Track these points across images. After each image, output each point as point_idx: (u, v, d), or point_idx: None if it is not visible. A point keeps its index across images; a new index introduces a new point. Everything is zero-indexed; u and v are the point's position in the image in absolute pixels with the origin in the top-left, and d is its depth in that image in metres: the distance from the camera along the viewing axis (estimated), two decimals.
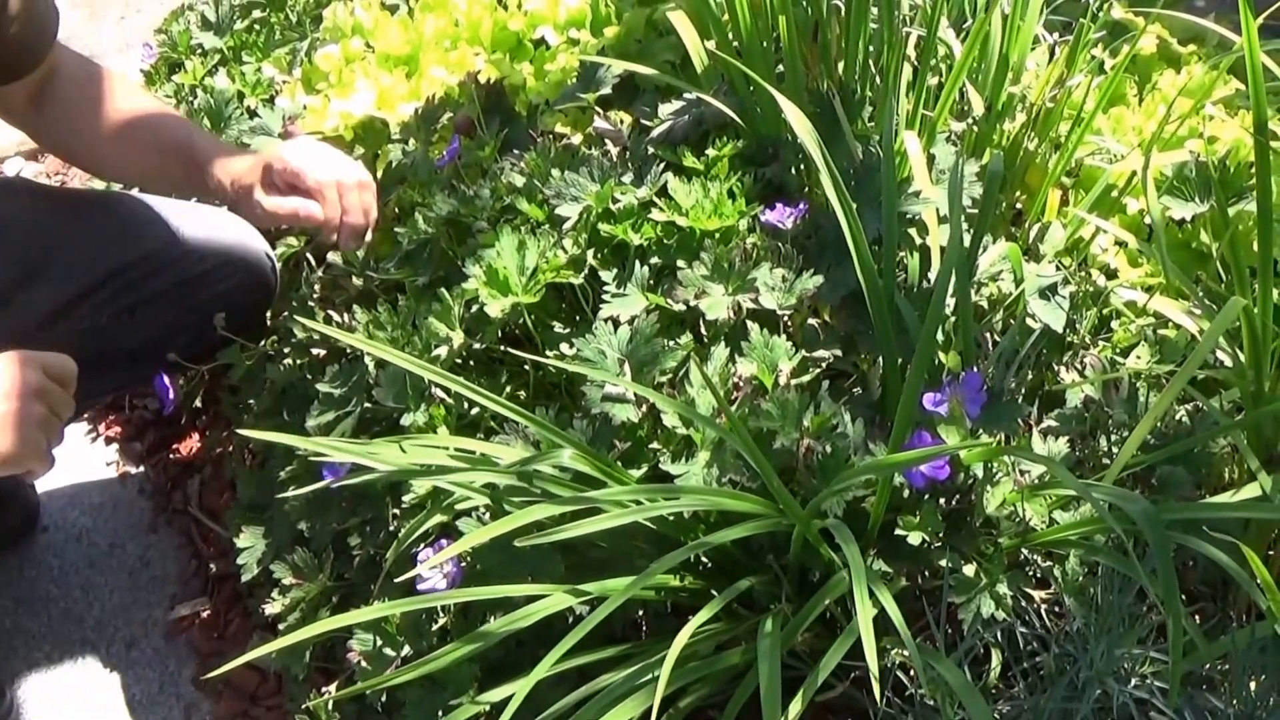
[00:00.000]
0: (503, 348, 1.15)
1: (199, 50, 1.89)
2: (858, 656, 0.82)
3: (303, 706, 1.20)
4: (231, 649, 1.42)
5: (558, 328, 1.17)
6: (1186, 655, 0.89)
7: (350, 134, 1.49)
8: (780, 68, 1.23)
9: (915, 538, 0.95)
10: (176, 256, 1.37)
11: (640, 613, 1.07)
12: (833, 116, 1.17)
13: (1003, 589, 0.95)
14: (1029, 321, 1.11)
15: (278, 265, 1.46)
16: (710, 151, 1.20)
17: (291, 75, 1.71)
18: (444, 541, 1.06)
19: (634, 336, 1.06)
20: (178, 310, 1.37)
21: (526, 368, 1.17)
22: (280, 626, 1.24)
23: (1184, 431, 1.05)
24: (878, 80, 1.24)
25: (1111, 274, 1.23)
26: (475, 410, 1.15)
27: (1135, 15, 1.46)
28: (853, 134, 1.16)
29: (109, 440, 1.75)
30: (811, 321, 1.12)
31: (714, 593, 0.94)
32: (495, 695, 0.97)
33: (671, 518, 1.00)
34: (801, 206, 1.14)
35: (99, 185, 1.96)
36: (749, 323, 1.07)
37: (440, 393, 1.14)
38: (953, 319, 1.07)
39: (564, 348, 1.13)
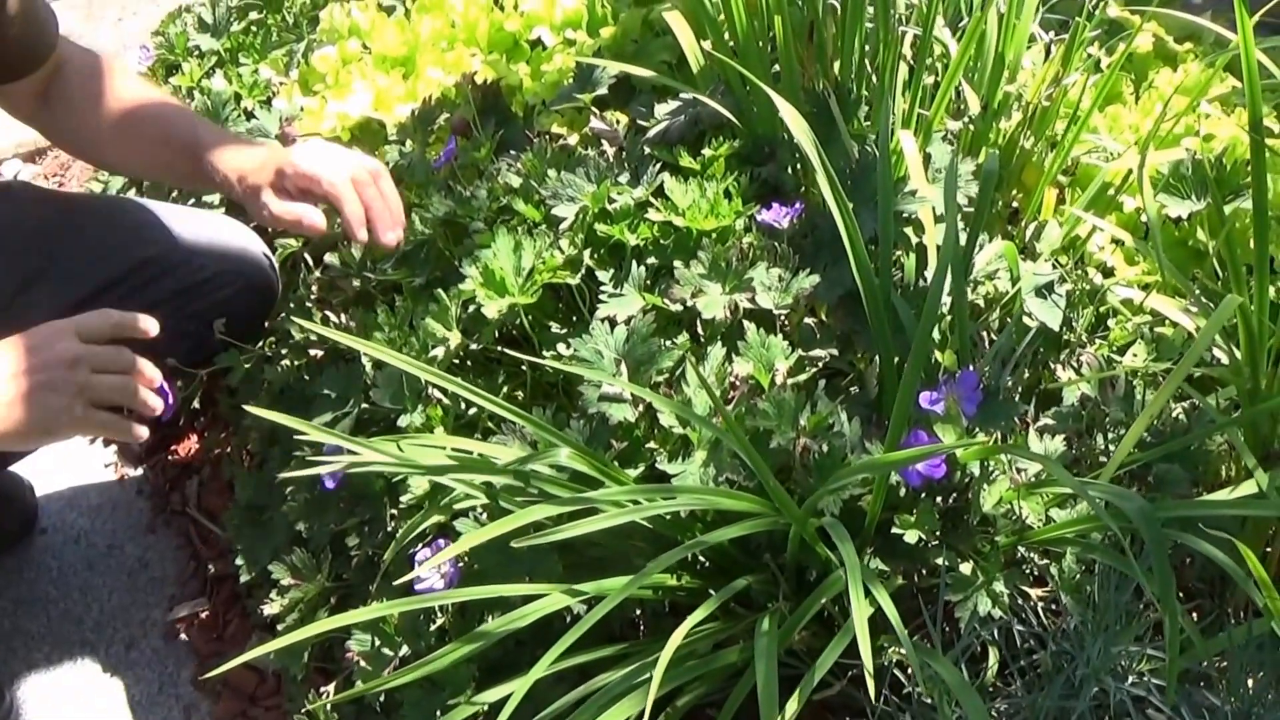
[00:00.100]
0: (500, 348, 1.15)
1: (196, 52, 1.89)
2: (855, 655, 0.82)
3: (302, 708, 1.20)
4: (230, 650, 1.42)
5: (555, 328, 1.17)
6: (1183, 652, 0.89)
7: (347, 135, 1.49)
8: (776, 67, 1.23)
9: (912, 536, 0.95)
10: (177, 262, 1.37)
11: (638, 612, 1.07)
12: (829, 116, 1.17)
13: (999, 587, 0.95)
14: (1025, 320, 1.11)
15: (278, 270, 1.46)
16: (706, 151, 1.20)
17: (288, 77, 1.71)
18: (442, 542, 1.06)
19: (631, 336, 1.06)
20: (179, 317, 1.37)
21: (524, 368, 1.17)
22: (279, 627, 1.24)
23: (1180, 429, 1.05)
24: (874, 79, 1.24)
25: (1108, 272, 1.23)
26: (473, 411, 1.15)
27: (1131, 13, 1.46)
28: (849, 133, 1.16)
29: (107, 442, 1.75)
30: (808, 321, 1.12)
31: (711, 592, 0.94)
32: (493, 695, 0.97)
33: (668, 517, 1.00)
34: (798, 206, 1.14)
35: (98, 188, 1.96)
36: (745, 322, 1.07)
37: (437, 393, 1.14)
38: (949, 318, 1.07)
39: (561, 348, 1.13)
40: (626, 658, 0.97)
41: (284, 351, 1.34)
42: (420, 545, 1.07)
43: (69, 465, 1.70)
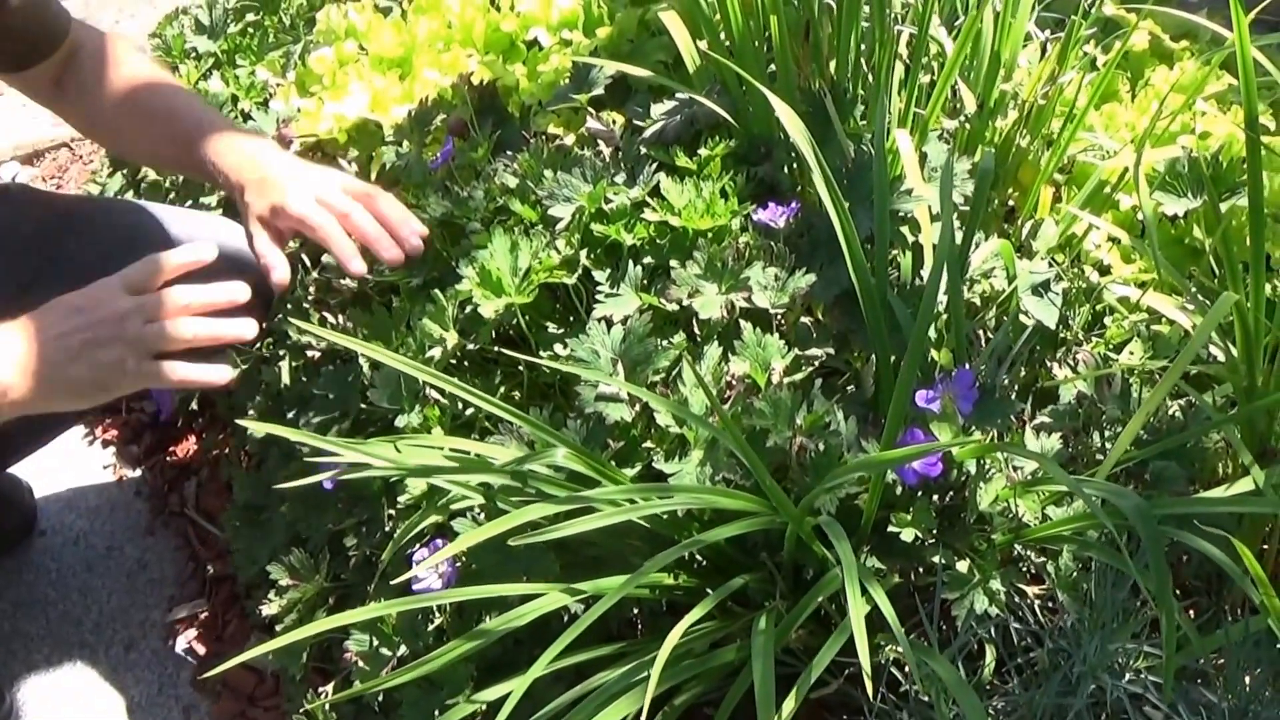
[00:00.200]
0: (497, 348, 1.15)
1: (193, 54, 1.89)
2: (852, 653, 0.82)
3: (300, 708, 1.20)
4: (229, 650, 1.42)
5: (551, 328, 1.17)
6: (1180, 650, 0.89)
7: (344, 137, 1.49)
8: (772, 67, 1.23)
9: (908, 534, 0.95)
10: None
11: (635, 611, 1.07)
12: (825, 115, 1.17)
13: (996, 585, 0.96)
14: (1022, 318, 1.11)
15: None
16: (703, 151, 1.20)
17: (285, 78, 1.71)
18: (439, 542, 1.06)
19: (627, 336, 1.06)
20: None
21: (520, 368, 1.17)
22: (277, 628, 1.24)
23: (1177, 427, 1.05)
24: (869, 79, 1.24)
25: (1104, 270, 1.23)
26: (470, 411, 1.15)
27: (1127, 11, 1.46)
28: (845, 132, 1.17)
29: (106, 443, 1.76)
30: (804, 320, 1.12)
31: (708, 591, 0.94)
32: (491, 694, 0.97)
33: (665, 516, 1.00)
34: (794, 205, 1.14)
35: (95, 190, 1.96)
36: (742, 321, 1.07)
37: (434, 394, 1.14)
38: (945, 316, 1.07)
39: (558, 348, 1.13)
40: (624, 657, 0.97)
41: (281, 353, 1.34)
42: (418, 545, 1.07)
43: (68, 467, 1.70)
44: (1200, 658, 0.93)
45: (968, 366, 1.02)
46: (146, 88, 1.30)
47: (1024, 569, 1.01)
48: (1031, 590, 1.01)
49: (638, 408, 1.04)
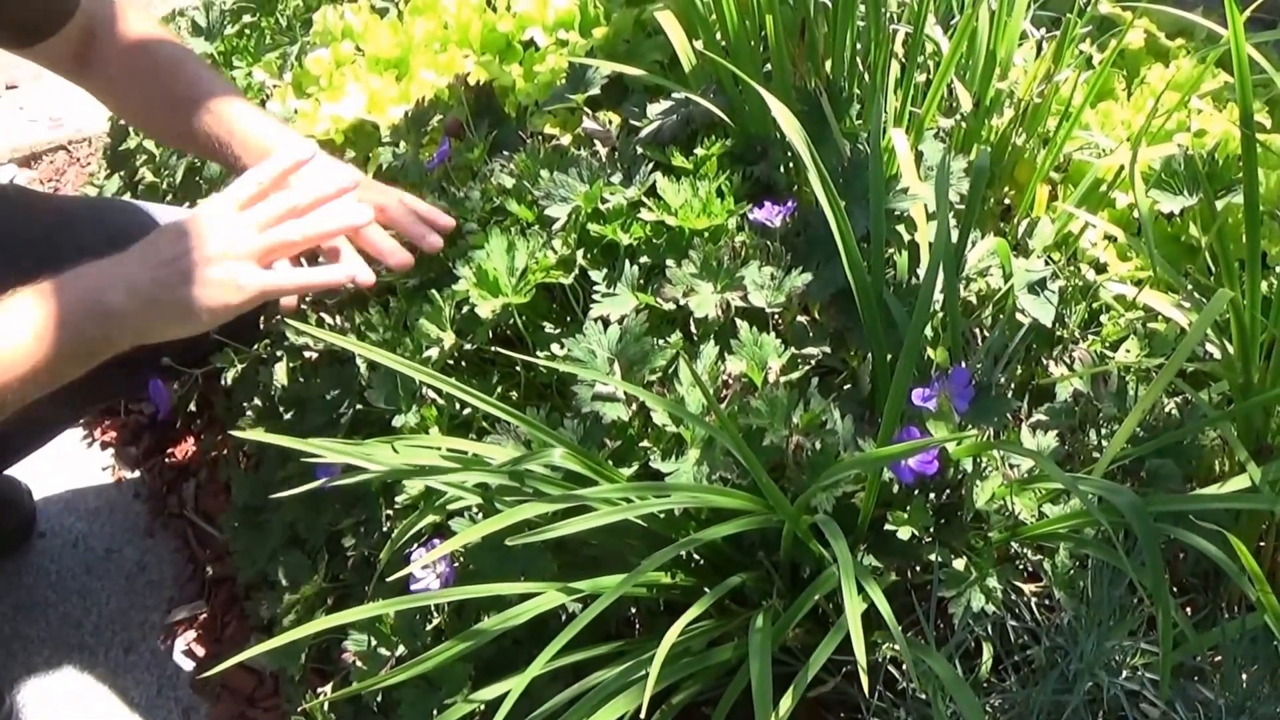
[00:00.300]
0: (493, 348, 1.16)
1: None
2: (849, 651, 0.82)
3: (299, 708, 1.20)
4: (229, 652, 1.42)
5: (548, 328, 1.18)
6: (1177, 647, 0.89)
7: (341, 137, 1.49)
8: (768, 67, 1.23)
9: (905, 533, 0.95)
10: None
11: (633, 610, 1.07)
12: (820, 115, 1.17)
13: (993, 583, 0.96)
14: (1018, 316, 1.11)
15: None
16: (699, 151, 1.21)
17: (282, 79, 1.71)
18: (437, 542, 1.06)
19: (624, 336, 1.06)
20: None
21: (517, 368, 1.17)
22: (276, 629, 1.24)
23: (1173, 424, 1.05)
24: (865, 78, 1.25)
25: (1100, 268, 1.23)
26: (467, 411, 1.15)
27: (1123, 9, 1.46)
28: (840, 132, 1.17)
29: (105, 445, 1.76)
30: (800, 319, 1.12)
31: (705, 590, 0.94)
32: (490, 693, 0.97)
33: (662, 515, 1.00)
34: (790, 204, 1.15)
35: (93, 192, 1.96)
36: (738, 321, 1.07)
37: (432, 394, 1.14)
38: (941, 315, 1.07)
39: (554, 348, 1.13)
40: (621, 655, 0.97)
41: (279, 354, 1.34)
42: (415, 545, 1.07)
43: (66, 469, 1.70)
44: (1197, 655, 0.93)
45: (964, 365, 1.02)
46: (183, 89, 1.28)
47: (1020, 567, 1.01)
48: (1028, 588, 1.01)
49: (634, 407, 1.04)
